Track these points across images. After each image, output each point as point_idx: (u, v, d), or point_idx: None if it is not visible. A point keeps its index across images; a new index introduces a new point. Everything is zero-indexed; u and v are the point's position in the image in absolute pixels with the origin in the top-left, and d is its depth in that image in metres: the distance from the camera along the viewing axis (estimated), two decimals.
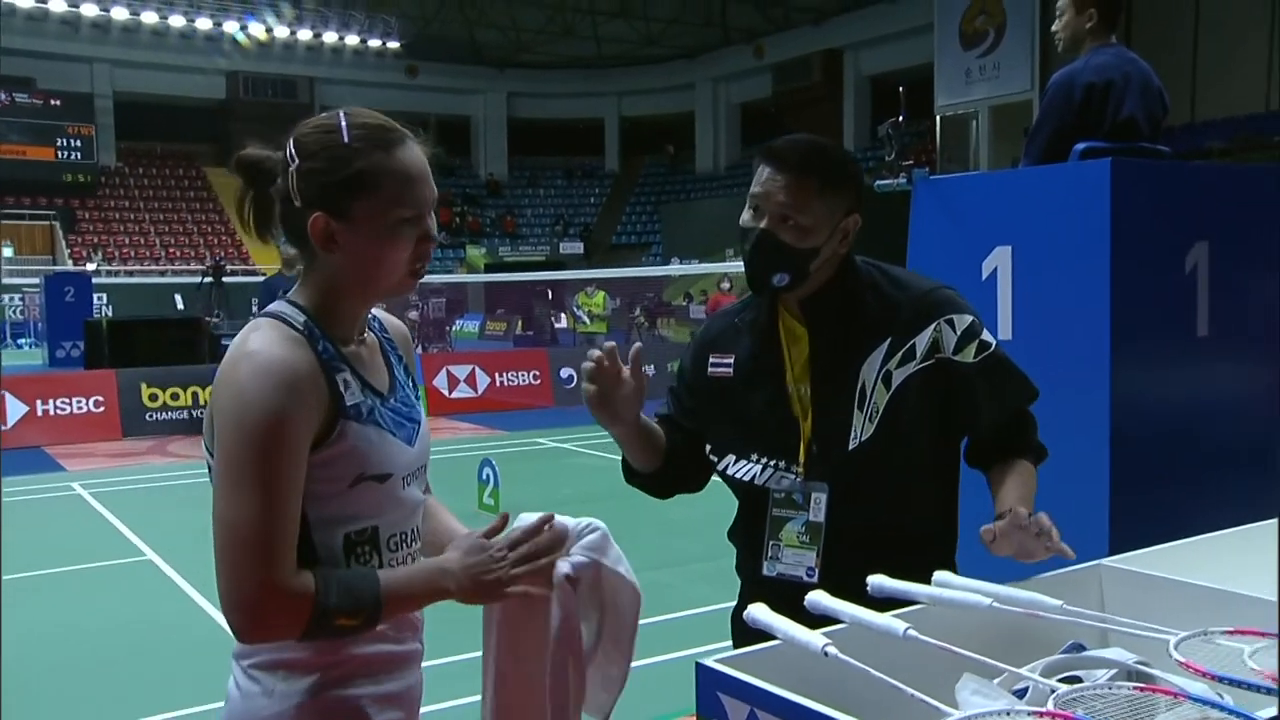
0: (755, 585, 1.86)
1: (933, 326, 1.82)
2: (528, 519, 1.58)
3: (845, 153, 1.92)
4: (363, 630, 1.45)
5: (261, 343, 1.43)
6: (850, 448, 1.82)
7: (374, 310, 1.66)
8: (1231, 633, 1.31)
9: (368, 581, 1.44)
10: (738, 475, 1.92)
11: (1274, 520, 1.95)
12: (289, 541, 1.40)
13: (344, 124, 1.47)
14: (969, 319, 1.85)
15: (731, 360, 1.94)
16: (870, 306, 1.85)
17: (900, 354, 1.82)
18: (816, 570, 1.83)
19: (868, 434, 1.81)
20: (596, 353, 1.82)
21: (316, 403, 1.43)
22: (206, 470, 1.49)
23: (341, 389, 1.47)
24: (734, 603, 1.94)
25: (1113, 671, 1.33)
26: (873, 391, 1.81)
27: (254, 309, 11.71)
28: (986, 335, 1.86)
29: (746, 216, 1.84)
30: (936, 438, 1.87)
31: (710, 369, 1.96)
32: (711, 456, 1.96)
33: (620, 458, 2.06)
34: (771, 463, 1.88)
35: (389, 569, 1.52)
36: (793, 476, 1.86)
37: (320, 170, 1.46)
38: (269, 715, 1.48)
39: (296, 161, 1.46)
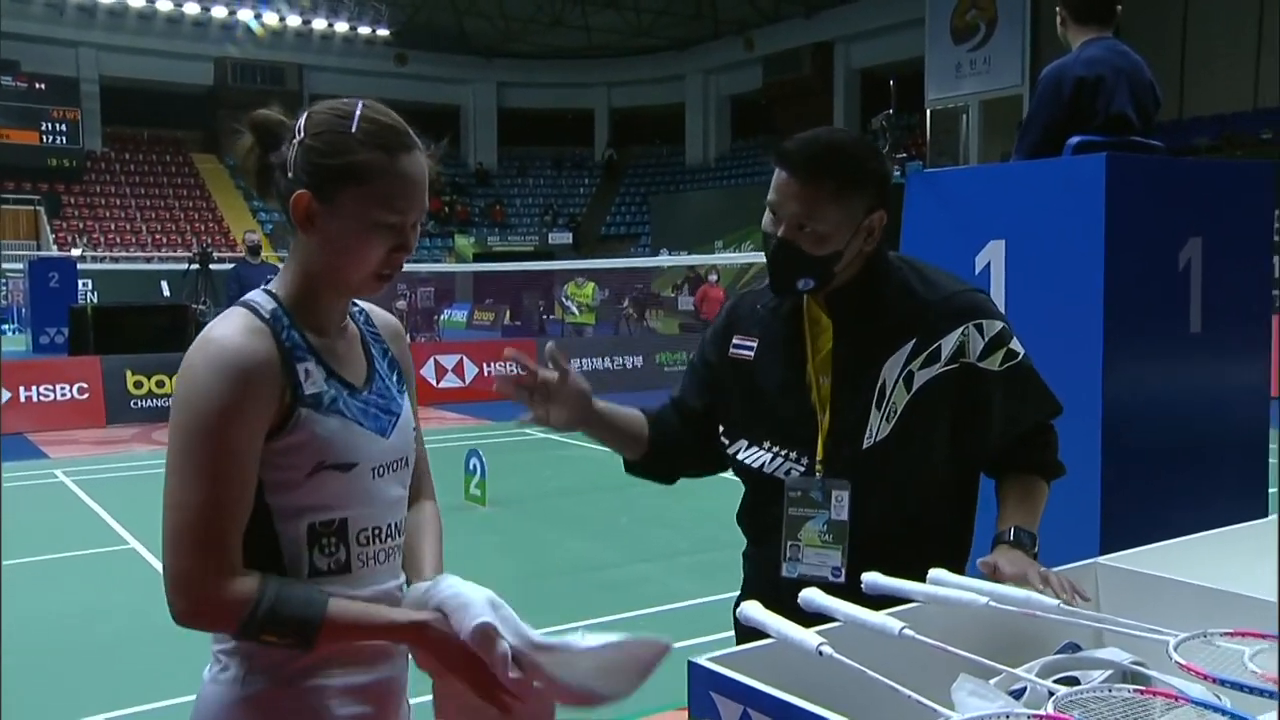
0: (774, 588, 1.73)
1: (960, 330, 1.77)
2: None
3: (865, 146, 1.82)
4: (296, 649, 1.41)
5: (223, 331, 1.44)
6: (865, 446, 1.77)
7: (362, 304, 1.64)
8: (1231, 634, 1.29)
9: (310, 606, 1.40)
10: (748, 461, 1.87)
11: (1272, 518, 1.95)
12: (234, 534, 1.40)
13: (357, 114, 1.47)
14: (998, 325, 1.80)
15: (755, 344, 1.88)
16: (897, 305, 1.79)
17: (924, 355, 1.76)
18: (843, 570, 1.76)
19: (883, 433, 1.77)
20: (511, 375, 1.71)
21: (270, 393, 1.43)
22: None
23: (301, 378, 1.46)
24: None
25: (1108, 672, 1.32)
26: (893, 391, 1.76)
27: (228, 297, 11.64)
28: (1015, 345, 1.81)
29: (766, 220, 1.78)
30: (952, 442, 1.82)
31: (732, 350, 1.91)
32: (723, 439, 1.92)
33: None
34: (783, 452, 1.83)
35: (346, 600, 1.45)
36: (801, 468, 1.81)
37: (318, 150, 1.45)
38: (229, 701, 1.47)
39: (301, 135, 1.47)
